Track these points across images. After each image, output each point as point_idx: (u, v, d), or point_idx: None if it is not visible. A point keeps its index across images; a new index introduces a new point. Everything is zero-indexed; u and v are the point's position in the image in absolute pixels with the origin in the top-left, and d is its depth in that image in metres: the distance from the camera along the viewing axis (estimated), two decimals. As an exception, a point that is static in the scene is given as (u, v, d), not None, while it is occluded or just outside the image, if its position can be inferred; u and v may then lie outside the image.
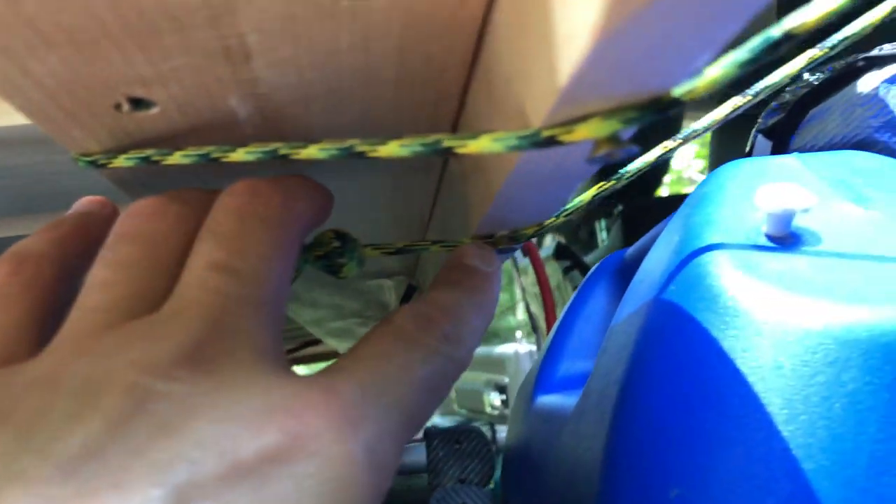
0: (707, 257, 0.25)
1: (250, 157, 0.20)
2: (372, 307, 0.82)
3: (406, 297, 0.63)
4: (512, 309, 1.47)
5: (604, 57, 0.12)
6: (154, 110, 0.20)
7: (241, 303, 0.19)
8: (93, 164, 0.22)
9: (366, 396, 0.18)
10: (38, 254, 0.21)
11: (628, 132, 0.15)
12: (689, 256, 0.26)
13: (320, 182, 0.22)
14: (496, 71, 0.18)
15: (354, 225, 0.26)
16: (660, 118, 0.15)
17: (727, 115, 0.23)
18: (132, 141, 0.22)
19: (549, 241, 1.40)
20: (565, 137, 0.15)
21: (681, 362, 0.24)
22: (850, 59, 0.37)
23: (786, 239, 0.25)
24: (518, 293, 1.13)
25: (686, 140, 0.24)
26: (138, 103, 0.20)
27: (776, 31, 0.15)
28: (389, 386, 0.19)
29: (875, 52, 0.35)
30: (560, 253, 1.28)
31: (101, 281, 0.19)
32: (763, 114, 0.45)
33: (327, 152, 0.18)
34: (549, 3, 0.13)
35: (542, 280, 0.61)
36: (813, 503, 0.20)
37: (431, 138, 0.17)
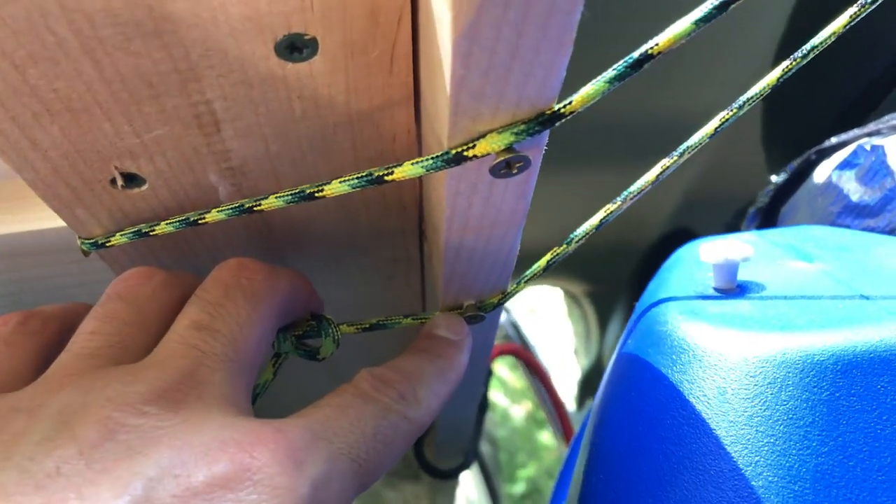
0: (658, 309, 0.27)
1: (223, 216, 0.23)
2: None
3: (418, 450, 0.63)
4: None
5: (469, 56, 0.15)
6: (144, 187, 0.24)
7: (216, 359, 0.21)
8: (94, 245, 0.25)
9: (315, 440, 0.20)
10: (47, 313, 0.24)
11: (522, 144, 0.18)
12: (643, 312, 0.27)
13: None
14: (425, 117, 0.21)
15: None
16: (546, 130, 0.18)
17: (717, 129, 0.25)
18: (128, 220, 0.25)
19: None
20: (469, 153, 0.18)
21: (637, 403, 0.25)
22: (805, 154, 0.40)
23: (732, 290, 0.27)
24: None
25: (682, 156, 0.25)
26: (130, 179, 0.23)
27: (637, 52, 0.18)
28: (340, 434, 0.21)
29: (825, 144, 0.38)
30: None
31: (89, 330, 0.22)
32: (744, 222, 0.48)
33: (284, 199, 0.21)
34: (432, 25, 0.17)
35: (554, 399, 0.61)
36: (764, 519, 0.21)
37: (365, 171, 0.20)
